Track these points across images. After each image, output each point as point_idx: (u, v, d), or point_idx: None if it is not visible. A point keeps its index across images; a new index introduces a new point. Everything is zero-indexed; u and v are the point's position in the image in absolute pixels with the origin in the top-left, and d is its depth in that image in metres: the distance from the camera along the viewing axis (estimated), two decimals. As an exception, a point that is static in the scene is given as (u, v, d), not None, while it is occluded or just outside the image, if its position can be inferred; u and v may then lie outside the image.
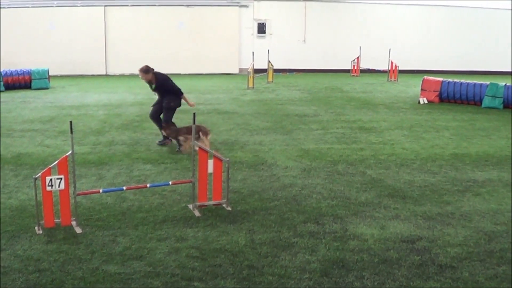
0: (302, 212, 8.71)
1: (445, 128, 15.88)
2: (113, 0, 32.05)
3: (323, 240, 7.62)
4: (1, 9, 30.71)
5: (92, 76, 31.11)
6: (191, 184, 8.86)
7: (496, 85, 20.06)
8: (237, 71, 32.02)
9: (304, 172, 11.01)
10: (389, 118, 17.26)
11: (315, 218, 8.45)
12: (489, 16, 34.04)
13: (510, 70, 32.51)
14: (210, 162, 8.59)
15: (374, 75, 30.04)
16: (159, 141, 13.54)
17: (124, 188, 9.04)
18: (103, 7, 31.77)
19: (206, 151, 8.64)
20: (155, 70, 13.28)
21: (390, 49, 29.09)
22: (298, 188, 9.98)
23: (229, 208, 8.78)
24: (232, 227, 8.07)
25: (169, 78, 13.50)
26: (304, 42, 33.38)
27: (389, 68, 28.68)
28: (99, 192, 8.99)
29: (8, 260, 7.00)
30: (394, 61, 28.48)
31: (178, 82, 13.64)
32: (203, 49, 32.45)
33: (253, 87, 24.48)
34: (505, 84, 20.15)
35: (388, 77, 28.39)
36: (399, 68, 28.67)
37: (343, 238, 7.73)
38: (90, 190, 9.28)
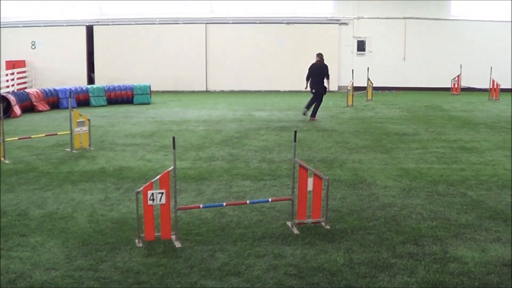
0: (401, 233, 8.64)
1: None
2: (214, 17, 32.60)
3: (422, 262, 7.54)
4: (110, 26, 31.75)
5: (193, 92, 31.66)
6: (290, 201, 8.93)
7: None
8: (336, 88, 31.99)
9: (403, 192, 10.93)
10: (491, 138, 16.91)
11: (414, 239, 8.38)
12: None
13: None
14: (310, 180, 8.64)
15: (475, 94, 29.48)
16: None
17: (224, 204, 9.19)
18: (205, 24, 32.37)
19: (306, 169, 8.70)
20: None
21: (491, 67, 28.50)
22: (397, 208, 9.91)
23: (327, 227, 8.80)
24: (331, 246, 8.08)
25: None
26: (404, 60, 33.09)
27: (491, 87, 28.10)
28: (199, 207, 9.17)
29: (108, 272, 7.22)
30: (495, 80, 27.90)
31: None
32: (303, 66, 32.46)
33: (352, 105, 24.43)
34: None
35: (489, 96, 27.82)
36: (501, 87, 28.06)
37: (442, 260, 7.63)
38: (191, 205, 9.48)
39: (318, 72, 20.61)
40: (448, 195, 10.77)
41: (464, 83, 30.43)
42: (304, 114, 21.02)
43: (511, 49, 31.86)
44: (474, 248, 8.05)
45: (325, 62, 20.45)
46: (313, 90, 20.66)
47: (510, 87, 30.57)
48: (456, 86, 30.52)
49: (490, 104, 25.99)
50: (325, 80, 20.69)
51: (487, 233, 8.68)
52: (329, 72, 20.87)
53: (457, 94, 29.81)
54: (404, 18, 32.66)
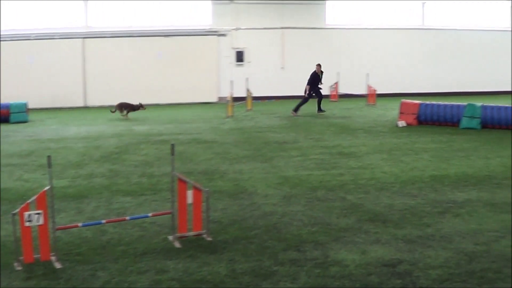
0: (283, 240, 8.68)
1: (424, 150, 15.97)
2: (91, 32, 32.10)
3: (304, 268, 7.59)
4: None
5: (71, 108, 31.05)
6: (170, 215, 8.83)
7: (474, 105, 20.25)
8: (216, 99, 32.06)
9: (284, 200, 11.00)
10: (368, 142, 17.33)
11: (296, 246, 8.42)
12: (463, 37, 34.42)
13: (486, 90, 32.83)
14: (189, 193, 8.57)
15: (353, 100, 30.20)
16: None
17: (104, 221, 8.99)
18: (82, 39, 31.81)
19: (185, 182, 8.62)
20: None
21: (368, 74, 29.28)
22: (278, 215, 9.96)
23: (209, 239, 8.74)
24: (213, 257, 8.02)
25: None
26: (283, 69, 33.53)
27: (367, 93, 28.85)
28: (78, 226, 8.93)
29: (-14, 299, 6.94)
30: (372, 85, 28.66)
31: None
32: (182, 78, 32.54)
33: (232, 116, 24.54)
34: (483, 104, 20.34)
35: (366, 102, 28.53)
36: (377, 92, 28.84)
37: (324, 264, 7.70)
38: (69, 225, 9.22)
39: (318, 78, 25.68)
40: (328, 200, 10.92)
41: (342, 90, 31.10)
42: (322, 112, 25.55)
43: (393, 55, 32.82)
44: (355, 251, 8.17)
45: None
46: (313, 94, 25.56)
47: (386, 92, 31.47)
48: (334, 93, 31.15)
49: (368, 109, 26.67)
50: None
51: (367, 235, 8.84)
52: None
53: (335, 101, 30.43)
54: (281, 28, 33.13)
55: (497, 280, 7.19)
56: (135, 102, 25.45)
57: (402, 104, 21.55)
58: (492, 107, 20.26)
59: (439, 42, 34.46)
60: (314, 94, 25.84)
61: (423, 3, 33.96)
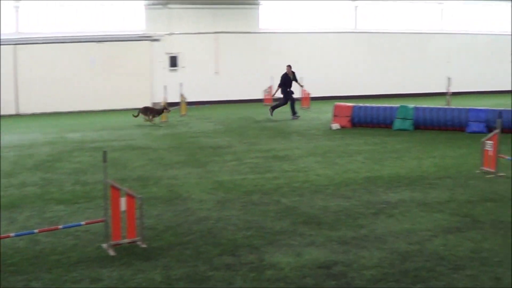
0: (218, 245, 8.65)
1: (358, 152, 16.15)
2: (22, 38, 31.56)
3: (240, 272, 7.57)
4: None
5: (3, 116, 30.45)
6: (104, 223, 8.72)
7: (406, 107, 20.57)
8: (150, 105, 31.88)
9: (219, 204, 10.97)
10: (303, 145, 17.44)
11: (230, 250, 8.41)
12: (395, 40, 34.93)
13: (419, 92, 33.40)
14: (123, 200, 8.48)
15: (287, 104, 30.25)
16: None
17: (36, 231, 8.84)
18: (13, 45, 31.25)
19: (118, 189, 8.53)
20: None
21: (302, 77, 29.50)
22: (213, 220, 9.92)
23: (144, 245, 8.65)
24: (148, 264, 7.95)
25: None
26: (217, 74, 33.49)
27: (302, 96, 29.03)
28: (10, 236, 8.75)
29: None
30: (306, 89, 28.85)
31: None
32: (115, 84, 32.28)
33: (166, 121, 24.41)
34: (415, 106, 20.68)
35: (301, 105, 28.69)
36: (312, 96, 29.05)
37: (259, 268, 7.70)
38: (2, 235, 9.04)
39: (290, 80, 25.32)
40: (263, 204, 10.93)
41: (276, 94, 31.21)
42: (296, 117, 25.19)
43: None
44: (289, 254, 8.19)
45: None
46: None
47: (320, 95, 31.71)
48: (268, 96, 31.23)
49: (302, 112, 26.82)
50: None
51: (302, 238, 8.87)
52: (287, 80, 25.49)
53: (269, 105, 30.47)
54: (215, 32, 33.10)
55: (430, 279, 7.30)
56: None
57: (336, 107, 21.74)
58: (424, 109, 20.62)
59: (372, 45, 34.94)
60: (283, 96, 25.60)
61: (356, 6, 34.35)
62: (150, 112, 24.75)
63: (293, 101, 25.22)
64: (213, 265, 7.86)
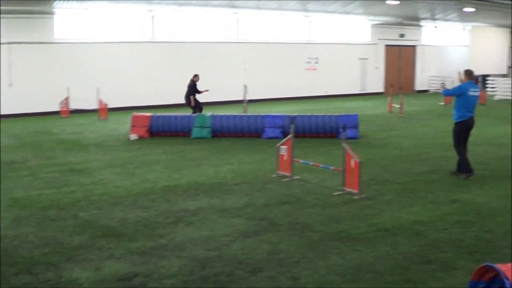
0: (14, 264, 8.31)
1: (157, 162, 16.16)
2: None
3: (38, 291, 7.37)
4: None
5: None
6: None
7: (203, 115, 20.90)
8: None
9: (14, 222, 10.51)
10: (101, 157, 17.17)
11: (27, 269, 8.11)
12: (193, 49, 35.32)
13: (218, 100, 34.00)
14: None
15: (85, 115, 29.69)
16: None
17: None
18: None
19: None
20: None
21: (98, 88, 29.11)
22: (8, 239, 9.52)
23: None
24: None
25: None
26: (11, 86, 32.16)
27: (99, 107, 28.64)
28: None
29: None
30: (103, 100, 28.48)
31: None
32: None
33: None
34: (212, 114, 21.02)
35: (98, 116, 28.29)
36: (110, 107, 28.72)
37: (58, 285, 7.52)
38: None
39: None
40: (60, 219, 10.65)
41: (73, 105, 30.59)
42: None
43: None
44: (89, 268, 8.06)
45: None
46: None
47: (119, 106, 31.42)
48: (65, 108, 30.51)
49: (100, 124, 26.39)
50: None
51: (101, 251, 8.76)
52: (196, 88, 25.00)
53: (66, 117, 29.77)
54: (8, 43, 31.77)
55: (230, 283, 7.48)
56: None
57: (134, 117, 21.60)
58: (222, 116, 21.01)
59: (170, 55, 35.01)
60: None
61: (153, 16, 34.32)
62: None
63: (201, 109, 25.11)
64: (10, 285, 7.58)
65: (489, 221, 10.33)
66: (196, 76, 25.33)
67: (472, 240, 9.28)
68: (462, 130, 13.98)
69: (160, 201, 11.75)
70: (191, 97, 24.76)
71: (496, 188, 12.93)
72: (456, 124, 14.01)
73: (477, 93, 13.92)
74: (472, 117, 13.91)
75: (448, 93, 14.74)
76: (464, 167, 13.90)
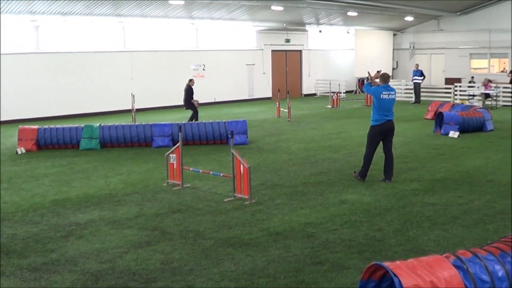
0: None
1: (45, 176, 15.88)
2: None
3: None
4: None
5: None
6: None
7: (91, 126, 20.64)
8: None
9: None
10: (-14, 172, 16.76)
11: None
12: (76, 59, 34.82)
13: (106, 110, 33.69)
14: None
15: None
16: None
17: None
18: None
19: None
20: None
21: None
22: None
23: None
24: None
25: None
26: None
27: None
28: None
29: None
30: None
31: None
32: None
33: None
34: (100, 124, 20.82)
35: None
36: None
37: None
38: None
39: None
40: None
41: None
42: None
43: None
44: (-23, 288, 7.93)
45: None
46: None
47: (5, 119, 30.68)
48: None
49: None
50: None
51: (-11, 270, 8.61)
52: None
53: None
54: None
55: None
56: None
57: (20, 131, 21.11)
58: (110, 127, 20.82)
59: (55, 66, 34.37)
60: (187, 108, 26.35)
61: (37, 26, 33.62)
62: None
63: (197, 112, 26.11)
64: None
65: (378, 220, 10.74)
66: (191, 80, 26.61)
67: (362, 239, 9.62)
68: (377, 134, 13.97)
69: (50, 215, 11.59)
70: (192, 101, 25.95)
71: (383, 187, 13.40)
72: (371, 127, 14.02)
73: (393, 96, 13.82)
74: (389, 120, 13.87)
75: (366, 88, 14.33)
76: (363, 172, 14.22)
